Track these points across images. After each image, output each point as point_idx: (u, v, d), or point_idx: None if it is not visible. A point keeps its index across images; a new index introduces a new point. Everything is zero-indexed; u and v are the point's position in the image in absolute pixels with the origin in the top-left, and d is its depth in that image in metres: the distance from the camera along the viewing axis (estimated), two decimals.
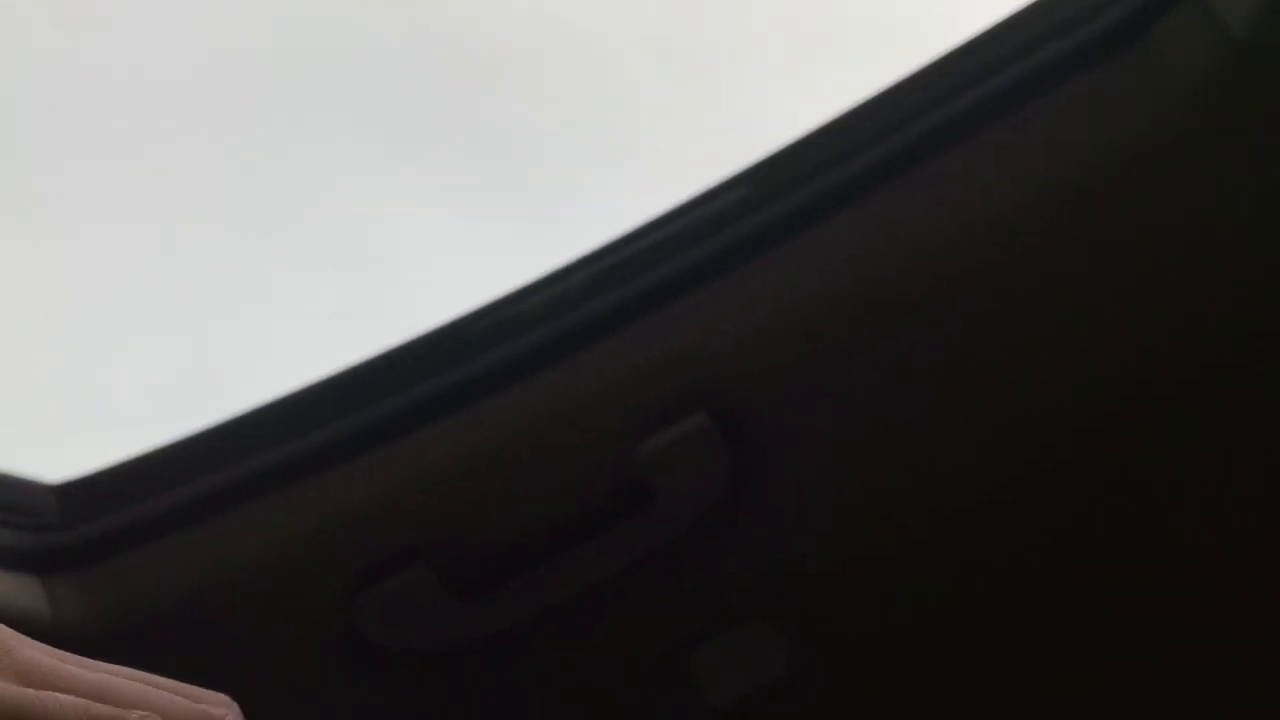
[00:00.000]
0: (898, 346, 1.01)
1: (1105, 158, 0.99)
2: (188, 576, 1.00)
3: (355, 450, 1.00)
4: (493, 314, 1.03)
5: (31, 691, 0.45)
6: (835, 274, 1.00)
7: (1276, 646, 1.10)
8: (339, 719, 1.06)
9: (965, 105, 0.99)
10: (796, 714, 1.09)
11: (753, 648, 1.06)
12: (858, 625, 1.08)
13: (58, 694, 0.46)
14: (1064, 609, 1.10)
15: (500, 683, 1.06)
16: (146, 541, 1.00)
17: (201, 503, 1.00)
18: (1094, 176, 0.99)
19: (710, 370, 1.01)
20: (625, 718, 1.09)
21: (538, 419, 1.01)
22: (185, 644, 1.01)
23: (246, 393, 1.04)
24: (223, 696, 0.49)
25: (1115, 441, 1.05)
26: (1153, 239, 1.00)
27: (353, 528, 1.00)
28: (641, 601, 1.05)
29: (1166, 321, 1.02)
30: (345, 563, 1.01)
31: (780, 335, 1.01)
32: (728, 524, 1.03)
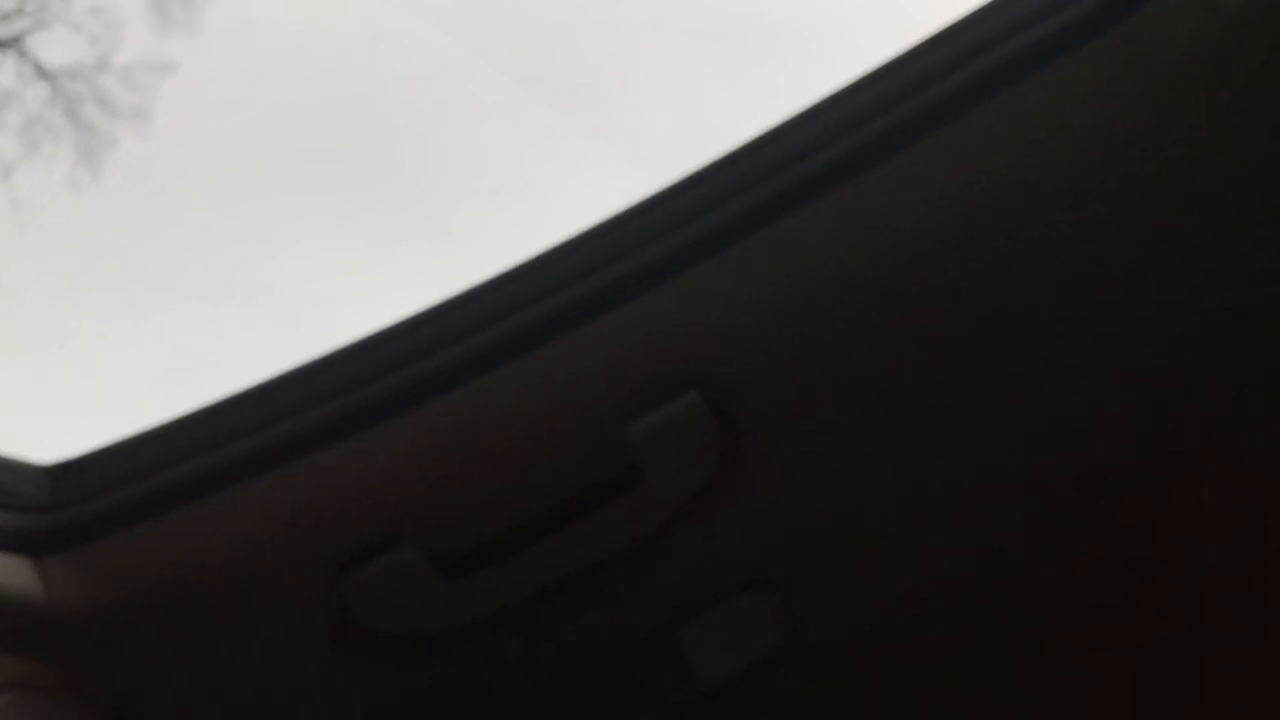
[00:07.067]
0: (888, 327, 1.01)
1: (1097, 135, 0.99)
2: (179, 557, 1.00)
3: (344, 432, 1.00)
4: (483, 296, 1.03)
5: None
6: (826, 255, 1.00)
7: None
8: (332, 699, 1.06)
9: (956, 85, 0.99)
10: (787, 688, 1.10)
11: (744, 623, 1.06)
12: (848, 600, 1.08)
13: None
14: (1054, 591, 1.10)
15: (493, 662, 1.06)
16: (139, 522, 1.00)
17: (192, 484, 1.00)
18: (1086, 155, 0.99)
19: (702, 350, 1.01)
20: (619, 695, 1.09)
21: (528, 399, 1.01)
22: (177, 623, 1.01)
23: (235, 378, 1.04)
24: None
25: (1106, 423, 1.06)
26: (1147, 216, 1.00)
27: (342, 509, 1.01)
28: (633, 579, 1.05)
29: (1163, 301, 1.03)
30: (334, 544, 1.01)
31: (772, 315, 1.01)
32: (719, 501, 1.03)
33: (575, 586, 1.04)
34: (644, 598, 1.06)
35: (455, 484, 1.01)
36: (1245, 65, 0.97)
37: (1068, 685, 1.13)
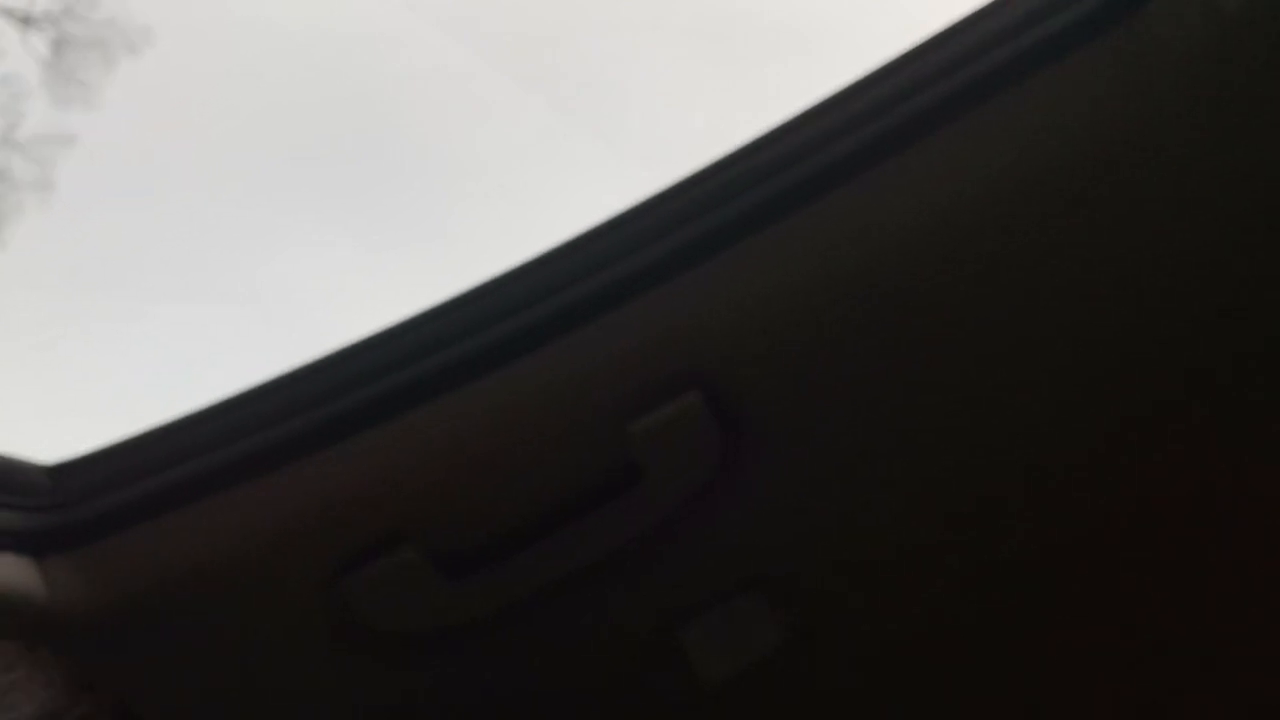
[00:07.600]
0: (887, 327, 1.01)
1: (1098, 135, 0.99)
2: (180, 557, 1.00)
3: (345, 433, 1.00)
4: (483, 296, 1.03)
5: None
6: (826, 256, 1.00)
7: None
8: (332, 699, 1.06)
9: (957, 86, 0.99)
10: (787, 688, 1.10)
11: (744, 623, 1.06)
12: (848, 600, 1.09)
13: None
14: (1054, 590, 1.10)
15: (493, 662, 1.06)
16: (140, 522, 1.00)
17: (193, 485, 1.00)
18: (1088, 154, 0.99)
19: (702, 350, 1.01)
20: (619, 695, 1.09)
21: (529, 399, 1.01)
22: (178, 623, 1.01)
23: (236, 380, 1.04)
24: None
25: (1106, 421, 1.06)
26: (1148, 215, 1.00)
27: (343, 510, 1.01)
28: (634, 579, 1.05)
29: (1163, 298, 1.03)
30: (334, 544, 1.01)
31: (771, 315, 1.01)
32: (719, 501, 1.03)
33: (576, 586, 1.04)
34: (644, 597, 1.06)
35: (456, 484, 1.01)
36: (1245, 65, 0.97)
37: (1068, 685, 1.13)
